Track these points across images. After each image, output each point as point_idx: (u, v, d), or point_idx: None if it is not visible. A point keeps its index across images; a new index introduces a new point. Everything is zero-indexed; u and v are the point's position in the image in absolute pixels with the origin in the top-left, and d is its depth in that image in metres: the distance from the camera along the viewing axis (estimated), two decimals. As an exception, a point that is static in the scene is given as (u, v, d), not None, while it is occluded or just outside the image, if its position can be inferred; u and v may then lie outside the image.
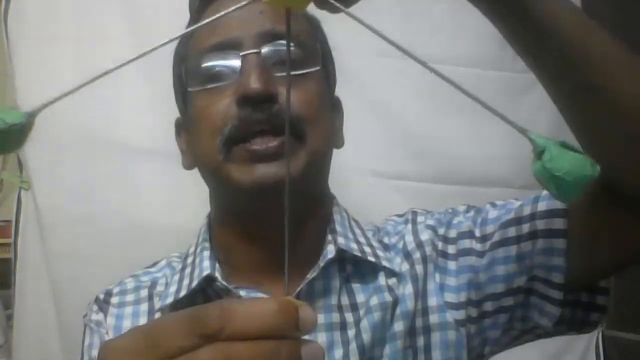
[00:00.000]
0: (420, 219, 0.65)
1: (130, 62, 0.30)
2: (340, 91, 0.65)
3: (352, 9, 0.34)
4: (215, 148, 0.54)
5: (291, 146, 0.53)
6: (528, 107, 1.40)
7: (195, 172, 0.62)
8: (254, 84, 0.52)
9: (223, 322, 0.26)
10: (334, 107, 0.65)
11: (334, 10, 0.36)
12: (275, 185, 0.52)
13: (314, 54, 0.57)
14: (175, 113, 0.65)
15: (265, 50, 0.54)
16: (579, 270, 0.54)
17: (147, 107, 1.25)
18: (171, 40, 0.31)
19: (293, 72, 0.54)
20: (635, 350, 1.47)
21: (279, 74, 0.54)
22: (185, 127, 0.63)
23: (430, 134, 1.40)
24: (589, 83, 0.46)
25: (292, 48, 0.55)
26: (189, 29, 0.57)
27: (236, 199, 0.57)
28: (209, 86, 0.55)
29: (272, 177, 0.52)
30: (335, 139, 0.63)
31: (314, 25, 0.62)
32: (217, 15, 0.32)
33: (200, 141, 0.57)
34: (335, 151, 0.63)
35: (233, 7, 0.33)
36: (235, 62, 0.54)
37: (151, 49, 0.30)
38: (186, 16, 0.63)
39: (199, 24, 0.34)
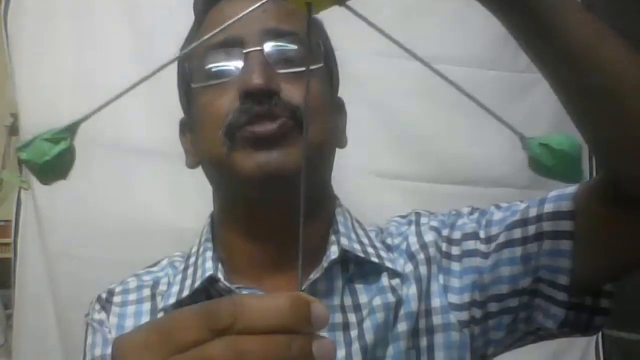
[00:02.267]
0: (424, 220, 0.65)
1: (140, 83, 0.30)
2: (340, 91, 0.65)
3: (353, 7, 0.34)
4: (219, 140, 0.54)
5: (293, 134, 0.53)
6: (528, 107, 1.40)
7: (196, 173, 0.62)
8: (257, 80, 0.52)
9: (235, 317, 0.26)
10: (338, 108, 0.65)
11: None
12: (278, 173, 0.53)
13: (317, 51, 0.57)
14: (175, 113, 0.65)
15: (268, 47, 0.54)
16: (584, 273, 0.54)
17: (147, 108, 1.25)
18: (174, 60, 0.31)
19: (294, 70, 0.54)
20: (635, 350, 1.47)
21: (281, 71, 0.54)
22: (190, 127, 0.63)
23: (430, 134, 1.41)
24: (596, 84, 0.46)
25: (294, 46, 0.55)
26: (190, 47, 0.57)
27: (240, 190, 0.57)
28: (213, 83, 0.55)
29: (275, 164, 0.53)
30: (338, 138, 0.63)
31: (317, 25, 0.62)
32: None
33: (204, 136, 0.57)
34: (337, 150, 0.62)
35: (252, 7, 0.33)
36: (239, 60, 0.55)
37: (162, 66, 0.31)
38: (185, 16, 0.63)
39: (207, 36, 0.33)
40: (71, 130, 0.30)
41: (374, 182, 1.36)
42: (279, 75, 0.54)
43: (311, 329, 0.27)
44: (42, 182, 0.31)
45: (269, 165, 0.53)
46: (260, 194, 0.56)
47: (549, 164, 0.31)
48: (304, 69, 0.55)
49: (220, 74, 0.55)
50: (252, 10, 0.36)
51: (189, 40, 0.63)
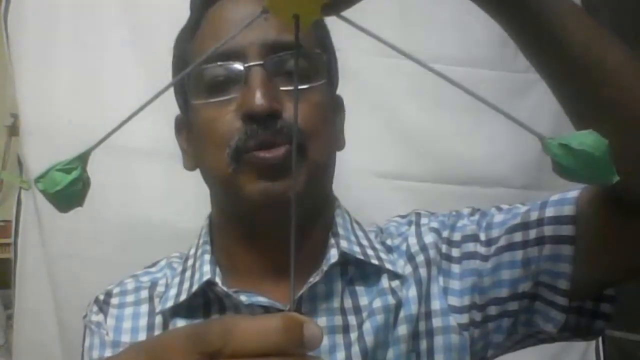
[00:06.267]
0: (423, 220, 0.65)
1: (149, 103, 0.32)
2: (340, 91, 0.65)
3: (351, 9, 0.34)
4: (224, 160, 0.54)
5: (297, 160, 0.53)
6: (528, 107, 1.40)
7: (196, 173, 0.62)
8: (259, 101, 0.51)
9: (225, 340, 0.26)
10: (336, 107, 0.64)
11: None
12: (282, 201, 0.52)
13: (319, 64, 0.56)
14: (175, 113, 0.65)
15: (269, 61, 0.53)
16: (585, 278, 0.54)
17: (147, 108, 1.25)
18: (182, 75, 0.32)
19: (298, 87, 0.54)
20: (635, 350, 1.47)
21: (283, 88, 0.53)
22: (187, 126, 0.62)
23: (431, 133, 1.40)
24: (596, 89, 0.45)
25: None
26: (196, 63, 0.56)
27: (243, 210, 0.57)
28: (213, 100, 0.54)
29: (279, 193, 0.53)
30: (337, 141, 0.63)
31: (321, 28, 0.61)
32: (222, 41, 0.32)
33: (208, 154, 0.56)
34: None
35: (243, 26, 0.33)
36: (239, 73, 0.53)
37: (165, 87, 0.32)
38: (186, 16, 0.63)
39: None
40: (82, 159, 0.32)
41: (374, 182, 1.36)
42: (280, 92, 0.53)
43: (304, 350, 0.26)
44: (58, 210, 0.32)
45: (273, 193, 0.53)
46: (261, 219, 0.56)
47: (569, 165, 0.28)
48: (307, 85, 0.54)
49: (220, 88, 0.54)
50: (243, 28, 0.36)
51: (186, 39, 0.61)
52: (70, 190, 0.31)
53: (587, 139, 0.28)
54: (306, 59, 0.55)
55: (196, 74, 0.55)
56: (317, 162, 0.55)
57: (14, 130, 1.35)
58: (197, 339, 0.26)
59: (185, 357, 0.26)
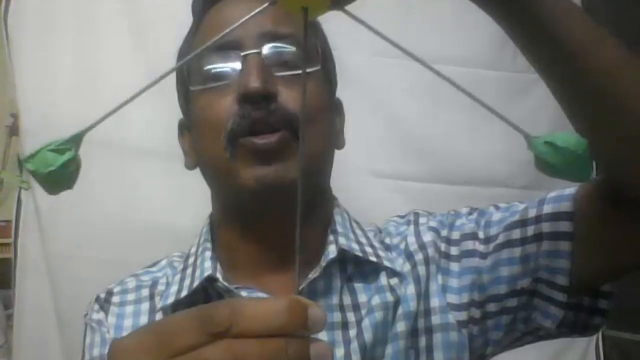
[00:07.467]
0: (422, 220, 0.65)
1: (144, 90, 0.31)
2: (340, 91, 0.65)
3: (350, 7, 0.34)
4: (220, 146, 0.54)
5: (292, 145, 0.54)
6: (528, 107, 1.40)
7: (196, 173, 0.62)
8: (254, 83, 0.52)
9: (232, 320, 0.26)
10: (335, 108, 0.65)
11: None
12: (277, 186, 0.53)
13: (313, 53, 0.57)
14: (175, 113, 0.65)
15: (265, 50, 0.54)
16: (583, 273, 0.54)
17: (147, 107, 1.25)
18: (174, 69, 0.32)
19: (291, 72, 0.54)
20: (635, 350, 1.47)
21: (279, 74, 0.54)
22: (188, 128, 0.63)
23: (430, 133, 1.41)
24: (594, 88, 0.46)
25: (292, 48, 0.55)
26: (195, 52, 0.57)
27: (239, 197, 0.57)
28: (211, 85, 0.55)
29: (273, 177, 0.53)
30: (336, 139, 0.63)
31: (314, 25, 0.62)
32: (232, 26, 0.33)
33: (205, 141, 0.57)
34: (335, 151, 0.63)
35: (250, 14, 0.33)
36: (236, 62, 0.55)
37: (161, 76, 0.31)
38: (185, 16, 0.63)
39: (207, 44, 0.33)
40: (75, 140, 0.31)
41: (373, 182, 1.36)
42: (276, 78, 0.54)
43: (308, 332, 0.27)
44: (48, 192, 0.31)
45: (267, 178, 0.53)
46: (257, 205, 0.56)
47: (553, 162, 0.30)
48: (300, 71, 0.55)
49: (219, 77, 0.55)
50: (250, 16, 0.36)
51: (187, 40, 0.63)
52: (63, 171, 0.30)
53: (569, 138, 0.30)
54: (299, 48, 0.55)
55: (196, 65, 0.57)
56: (314, 146, 0.56)
57: (14, 130, 1.35)
58: (205, 319, 0.27)
59: (193, 337, 0.27)
